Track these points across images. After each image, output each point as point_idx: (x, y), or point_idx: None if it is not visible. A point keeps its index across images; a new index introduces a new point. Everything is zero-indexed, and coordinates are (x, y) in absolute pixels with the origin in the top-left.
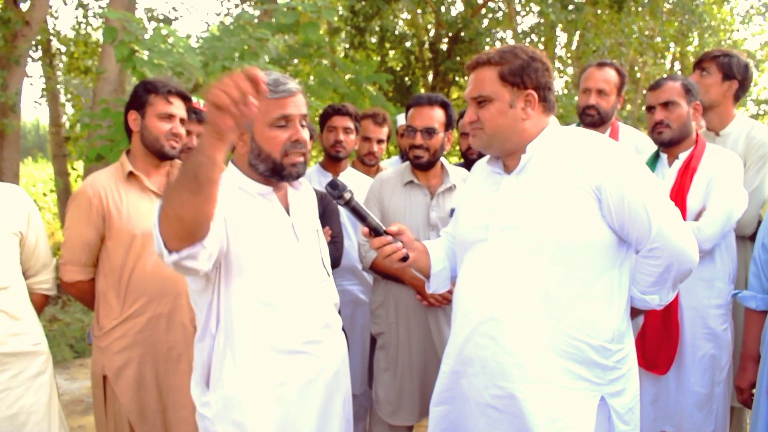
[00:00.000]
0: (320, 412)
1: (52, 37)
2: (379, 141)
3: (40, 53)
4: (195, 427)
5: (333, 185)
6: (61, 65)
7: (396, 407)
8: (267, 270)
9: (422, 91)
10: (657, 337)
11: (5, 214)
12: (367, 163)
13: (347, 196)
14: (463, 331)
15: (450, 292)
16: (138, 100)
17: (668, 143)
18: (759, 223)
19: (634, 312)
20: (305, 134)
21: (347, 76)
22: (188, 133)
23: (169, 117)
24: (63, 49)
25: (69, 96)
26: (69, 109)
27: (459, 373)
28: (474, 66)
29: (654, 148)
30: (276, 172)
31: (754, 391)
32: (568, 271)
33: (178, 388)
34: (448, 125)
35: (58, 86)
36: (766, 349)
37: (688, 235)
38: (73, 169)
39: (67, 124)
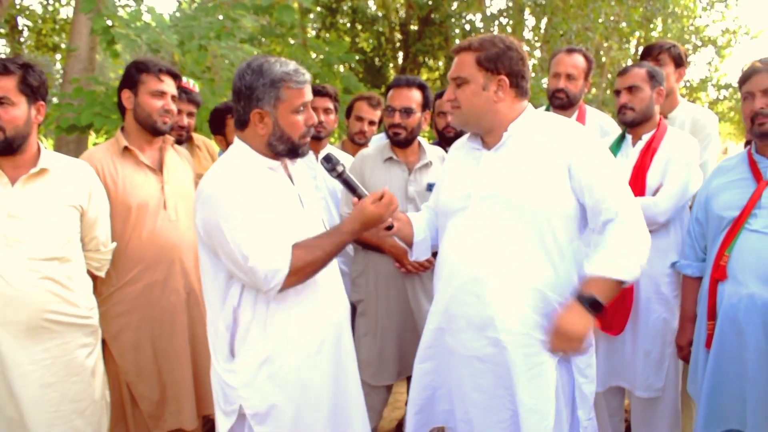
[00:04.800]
0: (335, 368)
1: (19, 15)
2: (371, 122)
3: (5, 29)
4: (189, 385)
5: (328, 159)
6: (29, 42)
7: (378, 369)
8: (283, 238)
9: (392, 72)
10: (612, 302)
11: (67, 187)
12: (357, 142)
13: (340, 168)
14: (447, 291)
15: (428, 260)
16: (130, 79)
17: (631, 124)
18: None
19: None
20: (315, 117)
21: (318, 57)
22: (179, 111)
23: (161, 94)
24: (30, 25)
25: None
26: None
27: (443, 330)
28: (457, 51)
29: (617, 128)
30: (292, 151)
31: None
32: (540, 236)
33: (173, 350)
34: (425, 106)
35: None
36: (701, 309)
37: (638, 210)
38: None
39: None
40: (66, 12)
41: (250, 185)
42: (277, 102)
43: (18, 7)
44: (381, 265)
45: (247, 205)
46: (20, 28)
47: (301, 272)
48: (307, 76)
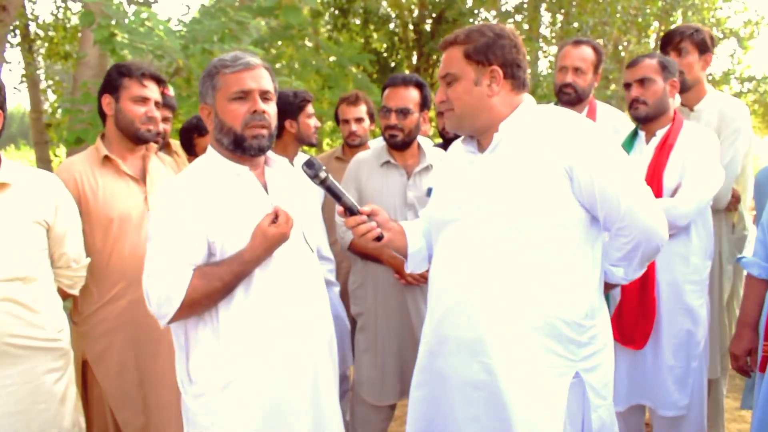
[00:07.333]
0: (311, 391)
1: (30, 22)
2: (358, 120)
3: (18, 39)
4: (176, 411)
5: (309, 164)
6: (41, 51)
7: (380, 388)
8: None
9: (406, 72)
10: (633, 313)
11: (30, 202)
12: (351, 144)
13: (322, 175)
14: (438, 311)
15: (428, 271)
16: (112, 84)
17: (644, 119)
18: (733, 196)
19: (606, 287)
20: (270, 108)
21: (331, 58)
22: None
23: (144, 100)
24: (42, 34)
25: (50, 82)
26: (51, 95)
27: (435, 353)
28: (444, 46)
29: (631, 126)
30: (238, 145)
31: (748, 358)
32: (540, 249)
33: (158, 373)
34: (424, 105)
35: (38, 72)
36: (762, 324)
37: (657, 214)
38: (56, 155)
39: (49, 111)
40: (76, 20)
41: (194, 197)
42: (214, 92)
43: (30, 16)
44: (380, 276)
45: (174, 221)
46: (32, 36)
47: (196, 304)
48: (248, 61)
